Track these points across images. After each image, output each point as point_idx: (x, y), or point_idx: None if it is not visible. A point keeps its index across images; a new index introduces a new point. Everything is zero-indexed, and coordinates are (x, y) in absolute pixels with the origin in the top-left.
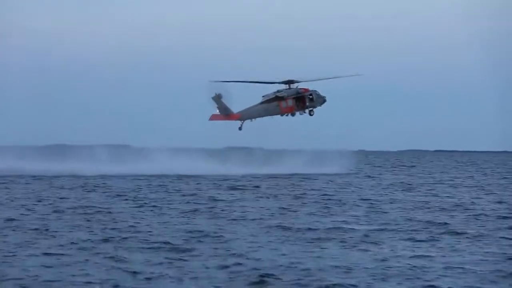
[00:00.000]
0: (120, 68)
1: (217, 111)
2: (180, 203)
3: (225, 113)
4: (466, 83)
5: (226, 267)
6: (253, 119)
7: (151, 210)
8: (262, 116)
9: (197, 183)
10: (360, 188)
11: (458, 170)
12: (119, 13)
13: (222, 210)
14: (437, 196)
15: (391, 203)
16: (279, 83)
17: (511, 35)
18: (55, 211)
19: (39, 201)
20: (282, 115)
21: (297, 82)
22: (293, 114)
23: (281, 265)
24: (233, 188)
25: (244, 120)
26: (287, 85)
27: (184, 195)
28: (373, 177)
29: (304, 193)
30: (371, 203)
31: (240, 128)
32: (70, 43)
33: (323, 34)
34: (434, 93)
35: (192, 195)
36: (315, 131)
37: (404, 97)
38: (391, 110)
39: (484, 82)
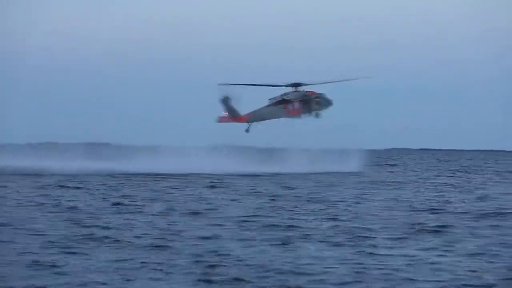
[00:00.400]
0: (117, 65)
1: (224, 113)
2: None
3: (233, 115)
4: (453, 79)
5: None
6: (260, 122)
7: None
8: (269, 118)
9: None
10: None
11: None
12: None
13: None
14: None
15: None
16: (286, 86)
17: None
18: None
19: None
20: (288, 118)
21: (304, 85)
22: (299, 117)
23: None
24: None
25: (251, 123)
26: (294, 88)
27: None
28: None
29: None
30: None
31: (247, 131)
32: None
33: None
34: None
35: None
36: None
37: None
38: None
39: (469, 79)
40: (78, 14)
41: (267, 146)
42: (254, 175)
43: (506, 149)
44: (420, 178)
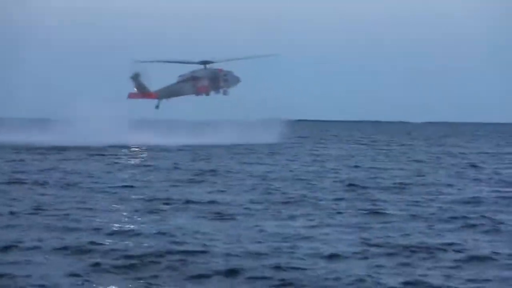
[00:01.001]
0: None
1: (135, 90)
2: None
3: (143, 92)
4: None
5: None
6: (169, 99)
7: None
8: (178, 95)
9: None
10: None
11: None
12: None
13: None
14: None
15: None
16: (196, 63)
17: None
18: None
19: None
20: (197, 95)
21: (213, 62)
22: (207, 94)
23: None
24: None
25: (161, 99)
26: (204, 65)
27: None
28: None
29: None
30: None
31: (157, 107)
32: None
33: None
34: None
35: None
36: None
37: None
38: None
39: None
40: None
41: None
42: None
43: None
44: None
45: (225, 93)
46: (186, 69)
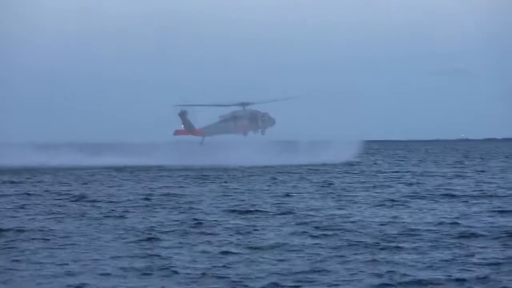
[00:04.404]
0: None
1: (182, 127)
2: None
3: (190, 129)
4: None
5: None
6: (212, 136)
7: None
8: (221, 134)
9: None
10: None
11: None
12: None
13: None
14: None
15: None
16: (235, 105)
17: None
18: None
19: None
20: (237, 134)
21: (252, 104)
22: (245, 134)
23: None
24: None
25: (205, 136)
26: (242, 106)
27: None
28: None
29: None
30: None
31: (201, 143)
32: None
33: None
34: None
35: None
36: None
37: None
38: None
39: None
40: None
41: None
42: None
43: None
44: None
45: (262, 133)
46: (226, 110)
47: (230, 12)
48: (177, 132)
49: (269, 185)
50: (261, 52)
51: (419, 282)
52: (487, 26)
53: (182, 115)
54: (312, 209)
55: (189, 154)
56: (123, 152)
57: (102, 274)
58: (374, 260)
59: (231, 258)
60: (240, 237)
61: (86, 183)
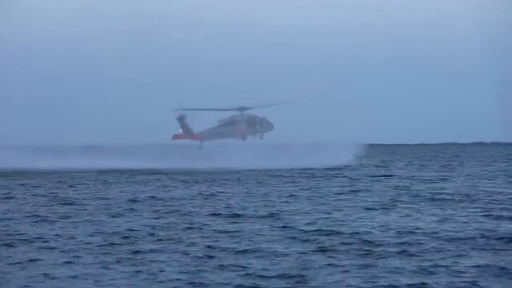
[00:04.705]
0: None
1: (180, 131)
2: None
3: (188, 133)
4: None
5: None
6: (210, 140)
7: None
8: (219, 138)
9: None
10: None
11: None
12: None
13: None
14: None
15: None
16: (233, 110)
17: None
18: None
19: None
20: (235, 138)
21: (250, 108)
22: (244, 138)
23: None
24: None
25: (203, 141)
26: (241, 111)
27: None
28: None
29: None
30: None
31: (199, 147)
32: None
33: None
34: None
35: None
36: None
37: None
38: None
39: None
40: None
41: None
42: None
43: None
44: None
45: (261, 137)
46: (224, 115)
47: (230, 12)
48: (175, 136)
49: (258, 189)
50: (261, 54)
51: (407, 286)
52: (487, 28)
53: (181, 119)
54: (299, 213)
55: (185, 158)
56: (116, 154)
57: (82, 279)
58: (361, 265)
59: (215, 262)
60: (225, 240)
61: (72, 186)
